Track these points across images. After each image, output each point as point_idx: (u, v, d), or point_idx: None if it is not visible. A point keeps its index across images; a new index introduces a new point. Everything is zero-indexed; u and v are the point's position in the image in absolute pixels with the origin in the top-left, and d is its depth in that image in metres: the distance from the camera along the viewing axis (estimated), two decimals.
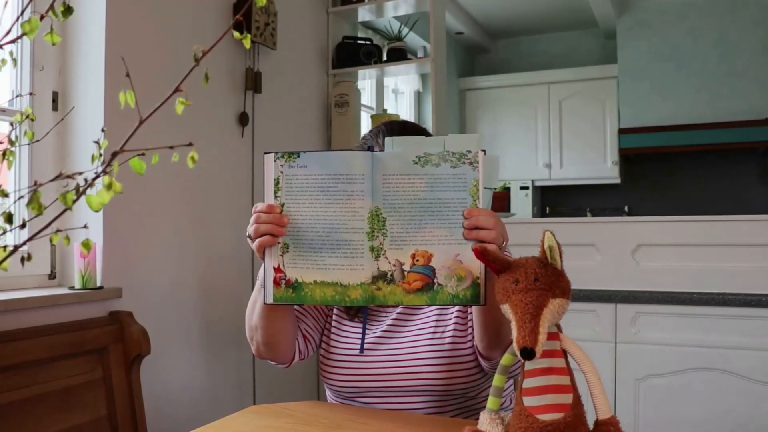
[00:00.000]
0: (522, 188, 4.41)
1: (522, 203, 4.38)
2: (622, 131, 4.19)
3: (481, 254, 0.72)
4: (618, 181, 4.27)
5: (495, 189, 0.84)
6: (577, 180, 4.36)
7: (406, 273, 0.81)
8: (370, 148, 0.85)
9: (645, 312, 2.07)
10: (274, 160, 0.83)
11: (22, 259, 0.54)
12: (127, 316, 1.62)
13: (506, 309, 0.70)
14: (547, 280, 0.69)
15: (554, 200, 4.61)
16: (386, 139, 0.84)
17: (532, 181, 4.44)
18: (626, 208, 4.40)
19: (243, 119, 2.17)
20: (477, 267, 0.79)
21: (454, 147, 0.82)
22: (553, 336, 0.70)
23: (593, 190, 4.45)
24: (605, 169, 4.26)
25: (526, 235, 1.56)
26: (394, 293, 0.81)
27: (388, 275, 0.81)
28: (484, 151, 0.81)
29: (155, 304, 1.81)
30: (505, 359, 0.74)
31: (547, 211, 4.60)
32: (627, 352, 2.07)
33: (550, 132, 4.41)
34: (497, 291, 0.72)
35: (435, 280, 0.80)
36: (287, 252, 0.83)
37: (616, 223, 2.26)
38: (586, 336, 2.06)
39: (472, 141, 0.82)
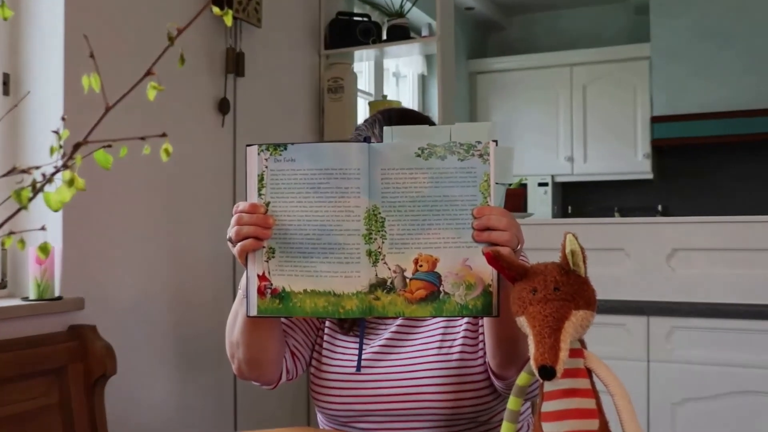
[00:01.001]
0: (540, 185, 4.41)
1: (540, 202, 4.38)
2: (655, 119, 4.19)
3: (493, 259, 0.73)
4: (650, 176, 4.28)
5: (509, 185, 0.84)
6: (603, 175, 4.37)
7: (408, 280, 0.81)
8: (367, 140, 0.85)
9: (682, 326, 2.08)
10: (258, 153, 0.83)
11: None
12: (90, 331, 1.62)
13: (522, 322, 0.70)
14: (569, 289, 0.69)
15: (577, 198, 4.62)
16: (384, 128, 0.84)
17: (552, 176, 4.45)
18: (660, 208, 4.41)
19: (223, 106, 2.18)
20: (488, 273, 0.80)
21: (462, 137, 0.82)
22: (577, 353, 0.70)
23: (622, 187, 4.46)
24: (636, 163, 4.27)
25: (544, 237, 1.56)
26: (394, 303, 0.81)
27: (388, 283, 0.81)
28: (496, 141, 0.81)
29: (122, 316, 1.81)
30: (522, 379, 0.74)
31: (569, 211, 4.61)
32: (661, 372, 2.08)
33: (572, 121, 4.42)
34: (512, 301, 0.72)
35: (441, 289, 0.80)
36: (273, 257, 0.83)
37: (648, 224, 2.27)
38: (614, 353, 2.06)
39: (482, 130, 0.82)
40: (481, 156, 0.81)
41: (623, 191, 4.48)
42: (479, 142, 0.81)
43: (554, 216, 4.41)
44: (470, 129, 0.83)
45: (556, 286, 0.69)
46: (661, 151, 4.31)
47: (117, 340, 1.71)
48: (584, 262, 0.71)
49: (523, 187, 3.42)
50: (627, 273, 2.22)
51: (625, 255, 2.23)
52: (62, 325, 1.63)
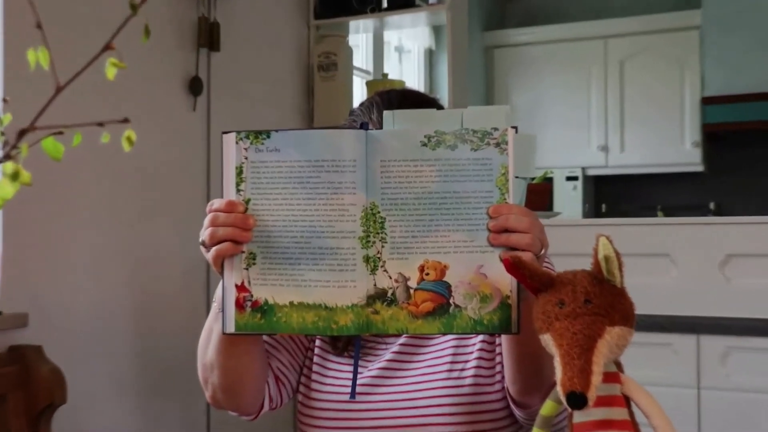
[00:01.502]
0: (569, 179, 4.41)
1: (569, 199, 4.38)
2: (706, 101, 4.19)
3: (512, 266, 0.73)
4: (700, 168, 4.28)
5: (531, 179, 0.85)
6: (643, 167, 4.37)
7: (412, 291, 0.81)
8: (364, 126, 0.86)
9: (738, 347, 2.08)
10: (236, 142, 0.84)
11: None
12: (34, 353, 1.62)
13: (547, 340, 0.71)
14: (603, 301, 0.70)
15: (613, 195, 4.62)
16: (384, 113, 0.84)
17: (583, 169, 4.45)
18: (712, 206, 4.41)
19: (195, 86, 2.18)
20: (507, 283, 0.80)
21: (476, 123, 0.82)
22: (612, 377, 0.70)
23: (666, 182, 4.46)
24: (683, 153, 4.27)
25: (573, 241, 1.57)
26: (396, 318, 0.82)
27: (389, 294, 0.82)
28: (515, 128, 0.81)
29: (74, 335, 1.82)
30: (547, 408, 0.74)
31: (603, 210, 4.61)
32: (714, 402, 2.08)
33: (607, 103, 4.42)
34: (535, 316, 0.73)
35: (451, 301, 0.81)
36: (254, 264, 0.83)
37: (698, 225, 2.27)
38: (657, 378, 2.06)
39: (499, 115, 0.82)
40: (497, 145, 0.81)
41: (668, 186, 4.48)
42: (496, 129, 0.81)
43: (585, 216, 4.41)
44: (485, 113, 0.83)
45: (588, 298, 0.70)
46: (713, 138, 4.31)
47: (67, 363, 1.72)
48: (621, 269, 0.71)
49: (548, 181, 3.42)
50: (673, 283, 2.22)
51: (671, 262, 2.23)
52: (1, 345, 1.63)
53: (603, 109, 4.43)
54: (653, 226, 2.35)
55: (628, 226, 2.34)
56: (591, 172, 4.48)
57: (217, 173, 2.14)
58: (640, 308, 0.73)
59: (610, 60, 4.42)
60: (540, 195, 2.70)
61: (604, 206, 4.62)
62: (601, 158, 4.42)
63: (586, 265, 0.73)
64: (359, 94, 2.99)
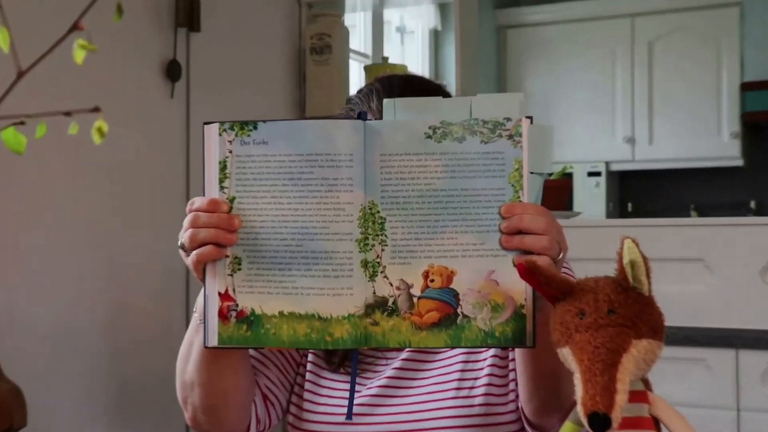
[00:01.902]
0: (591, 174, 4.41)
1: (591, 197, 4.38)
2: (746, 87, 4.19)
3: (527, 272, 0.73)
4: (739, 162, 4.27)
5: (548, 175, 0.85)
6: (675, 162, 4.37)
7: (415, 300, 0.82)
8: (362, 116, 0.86)
9: None
10: (220, 134, 0.84)
11: None
12: None
13: (566, 354, 0.71)
14: (628, 311, 0.70)
15: (640, 192, 4.62)
16: (384, 101, 0.85)
17: (607, 163, 4.45)
18: (752, 205, 4.40)
19: (173, 71, 2.19)
20: (521, 291, 0.80)
21: (487, 112, 0.82)
22: (639, 396, 0.70)
23: (701, 177, 4.46)
24: (720, 145, 4.27)
25: (596, 244, 1.56)
26: (397, 330, 0.82)
27: (389, 303, 0.82)
28: (530, 118, 0.82)
29: (37, 350, 1.82)
30: (566, 430, 0.75)
31: (629, 209, 4.61)
32: (755, 425, 2.07)
33: (633, 89, 4.42)
34: (553, 327, 0.73)
35: (459, 310, 0.81)
36: (239, 270, 0.84)
37: (736, 226, 2.27)
38: (691, 399, 2.07)
39: (512, 103, 0.83)
40: (510, 137, 0.81)
41: (702, 183, 4.48)
42: (508, 119, 0.81)
43: (609, 216, 4.41)
44: (497, 102, 0.84)
45: (611, 307, 0.70)
46: (754, 128, 4.31)
47: (28, 382, 1.71)
48: (648, 276, 0.71)
49: (567, 177, 3.42)
50: (708, 291, 2.22)
51: (705, 267, 2.23)
52: None
53: (629, 97, 4.42)
54: (686, 227, 2.35)
55: (658, 227, 2.34)
56: (615, 167, 4.48)
57: (198, 168, 2.14)
58: (671, 319, 0.73)
59: (638, 41, 4.42)
60: (558, 192, 2.70)
61: (630, 205, 4.62)
62: (627, 151, 4.42)
63: (610, 270, 0.73)
64: (356, 80, 2.99)
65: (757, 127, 4.29)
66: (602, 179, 4.42)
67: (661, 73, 4.37)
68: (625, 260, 0.71)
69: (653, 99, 4.38)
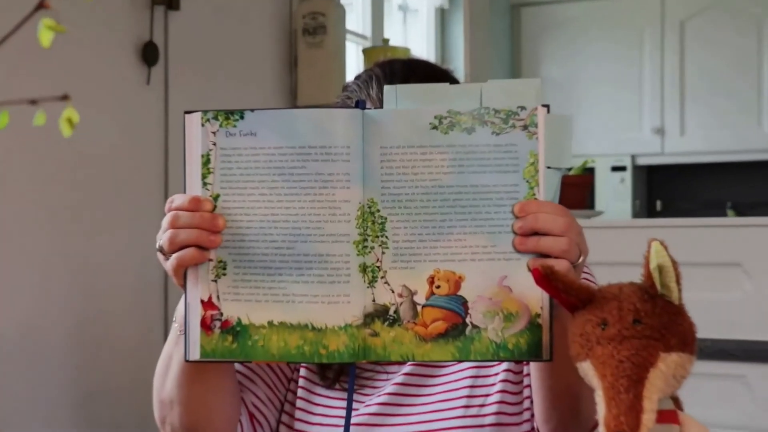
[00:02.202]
0: (615, 169, 4.42)
1: (615, 194, 4.38)
2: None
3: (544, 277, 0.73)
4: None
5: (567, 170, 0.85)
6: (709, 155, 4.36)
7: (419, 308, 0.82)
8: (360, 104, 0.86)
9: None
10: (203, 124, 0.84)
11: None
12: None
13: (587, 369, 0.71)
14: (656, 321, 0.70)
15: (670, 189, 4.62)
16: (385, 88, 0.85)
17: (633, 156, 4.45)
18: None
19: (149, 55, 2.19)
20: (537, 298, 0.80)
21: (499, 100, 0.82)
22: (668, 416, 0.70)
23: (738, 173, 4.46)
24: (759, 137, 4.26)
25: (620, 247, 1.56)
26: (399, 342, 0.82)
27: (391, 312, 0.82)
28: (547, 106, 0.81)
29: None
30: None
31: (658, 208, 4.61)
32: None
33: (663, 74, 4.42)
34: (572, 339, 0.73)
35: (468, 320, 0.81)
36: (224, 275, 0.84)
37: None
38: (728, 420, 2.06)
39: (528, 90, 0.83)
40: (525, 128, 0.81)
41: (740, 179, 4.48)
42: (523, 108, 0.81)
43: (635, 215, 4.41)
44: (510, 89, 0.84)
45: (637, 317, 0.70)
46: None
47: None
48: (678, 282, 0.71)
49: (588, 172, 3.41)
50: (746, 300, 2.21)
51: (743, 273, 2.23)
52: None
53: (658, 83, 4.42)
54: (721, 228, 2.35)
55: (690, 228, 2.34)
56: (643, 161, 4.48)
57: (178, 163, 2.14)
58: (704, 330, 0.73)
59: (668, 20, 4.41)
60: (578, 189, 2.70)
61: (658, 203, 4.62)
62: (656, 143, 4.42)
63: (636, 276, 0.73)
64: (354, 64, 2.99)
65: None
66: (628, 175, 4.41)
67: (694, 56, 4.35)
68: (653, 265, 0.71)
69: (685, 85, 4.38)
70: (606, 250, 1.56)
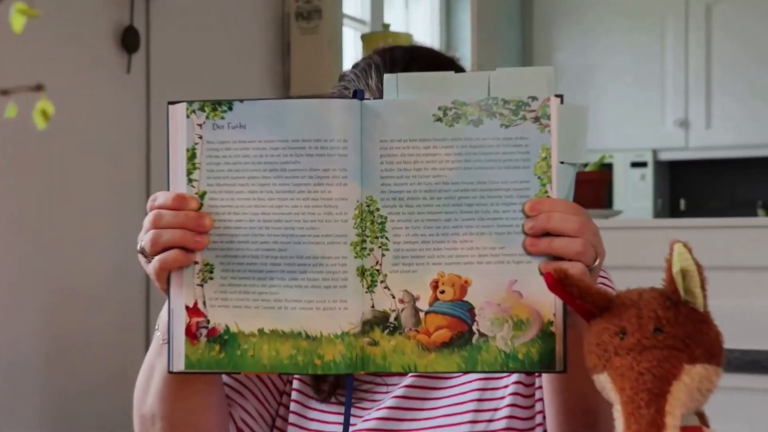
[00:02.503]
0: (635, 165, 4.41)
1: (634, 192, 4.38)
2: None
3: (557, 282, 0.73)
4: None
5: (582, 166, 0.85)
6: (737, 149, 4.36)
7: (422, 315, 0.82)
8: (358, 95, 0.86)
9: None
10: (188, 116, 0.84)
11: None
12: None
13: (604, 382, 0.71)
14: (679, 330, 0.70)
15: (695, 186, 4.62)
16: (385, 77, 0.85)
17: (654, 151, 4.44)
18: None
19: (129, 41, 2.19)
20: (549, 305, 0.80)
21: (508, 90, 0.82)
22: None
23: None
24: None
25: (640, 249, 1.56)
26: (401, 351, 0.82)
27: (391, 319, 0.82)
28: (561, 97, 0.82)
29: None
30: None
31: (682, 207, 4.60)
32: None
33: (687, 62, 4.42)
34: (587, 349, 0.73)
35: (474, 328, 0.81)
36: (211, 279, 0.84)
37: None
38: None
39: (540, 79, 0.83)
40: (537, 120, 0.81)
41: None
42: (534, 99, 0.82)
43: (657, 215, 4.41)
44: (521, 77, 0.84)
45: (658, 325, 0.70)
46: None
47: None
48: (703, 287, 0.71)
49: (605, 168, 3.41)
50: None
51: None
52: None
53: (682, 71, 4.42)
54: (751, 228, 2.35)
55: (716, 229, 2.34)
56: (665, 156, 4.48)
57: (161, 157, 2.14)
58: (733, 341, 0.73)
59: (693, 3, 4.41)
60: (595, 187, 2.70)
61: (682, 202, 4.62)
62: (680, 137, 4.42)
63: (657, 281, 0.73)
64: (352, 52, 2.99)
65: None
66: (649, 171, 4.41)
67: (721, 43, 4.35)
68: (675, 269, 0.70)
69: (711, 73, 4.37)
70: (625, 253, 1.57)
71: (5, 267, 1.91)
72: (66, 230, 2.04)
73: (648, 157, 4.42)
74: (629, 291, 0.74)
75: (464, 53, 2.77)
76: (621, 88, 4.41)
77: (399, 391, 1.04)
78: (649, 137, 4.42)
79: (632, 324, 0.71)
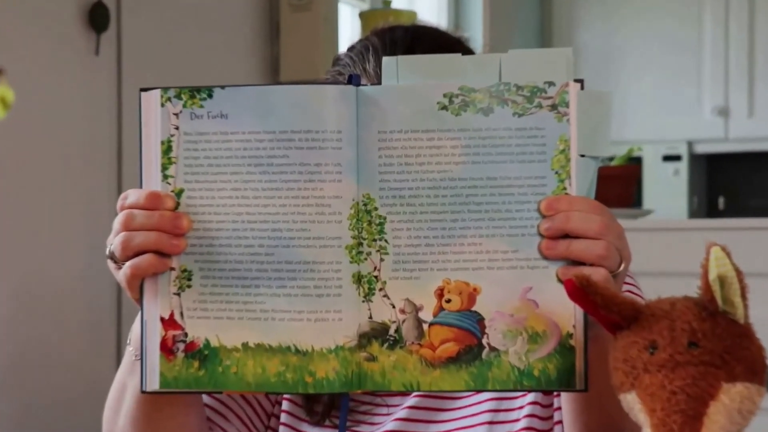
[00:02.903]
0: (667, 159, 4.41)
1: (667, 189, 4.37)
2: None
3: (578, 290, 0.73)
4: None
5: (608, 160, 0.85)
6: None
7: (426, 327, 0.82)
8: (354, 80, 0.86)
9: None
10: (162, 104, 0.84)
11: None
12: None
13: (632, 402, 0.71)
14: (717, 345, 0.70)
15: (735, 182, 4.61)
16: (385, 60, 0.85)
17: (690, 143, 4.44)
18: None
19: (98, 19, 2.18)
20: (569, 315, 0.80)
21: (522, 75, 0.82)
22: None
23: None
24: None
25: (673, 253, 1.56)
26: (402, 368, 0.82)
27: (391, 331, 0.82)
28: (581, 82, 0.82)
29: None
30: None
31: (721, 206, 4.60)
32: None
33: (728, 44, 4.41)
34: (614, 366, 0.73)
35: (484, 341, 0.81)
36: (189, 287, 0.84)
37: None
38: None
39: (557, 62, 0.82)
40: (554, 108, 0.82)
41: None
42: (551, 84, 0.82)
43: (692, 214, 4.40)
44: (536, 60, 0.83)
45: (694, 339, 0.70)
46: None
47: None
48: (744, 296, 0.71)
49: (633, 162, 3.40)
50: None
51: None
52: None
53: (721, 54, 4.41)
54: None
55: (759, 230, 2.34)
56: (702, 149, 4.47)
57: (133, 150, 2.14)
58: None
59: None
60: (621, 183, 2.69)
61: (721, 200, 4.61)
62: (719, 127, 4.41)
63: (692, 289, 0.73)
64: (349, 32, 2.99)
65: None
66: (683, 165, 4.41)
67: (766, 22, 4.34)
68: (712, 275, 0.70)
69: (755, 56, 4.36)
70: (655, 257, 1.57)
71: None
72: (27, 232, 2.04)
73: (682, 150, 4.41)
74: (660, 300, 0.74)
75: (474, 33, 2.76)
76: (651, 71, 4.41)
77: (401, 413, 1.04)
78: (684, 127, 4.41)
79: (664, 337, 0.71)
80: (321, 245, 0.82)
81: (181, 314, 0.84)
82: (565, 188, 0.81)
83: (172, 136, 0.84)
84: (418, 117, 0.82)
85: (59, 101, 2.11)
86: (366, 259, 0.82)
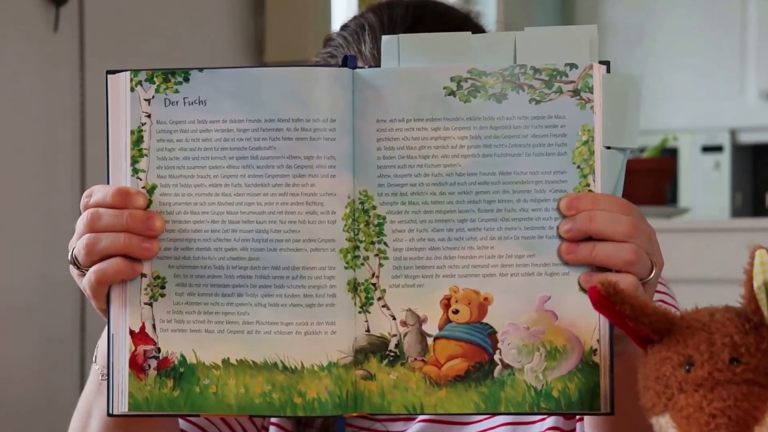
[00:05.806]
0: (706, 150, 4.41)
1: (706, 184, 4.38)
2: None
3: (603, 299, 0.73)
4: None
5: (639, 151, 0.86)
6: None
7: (430, 341, 0.82)
8: (349, 62, 0.86)
9: None
10: (132, 88, 0.84)
11: None
12: None
13: (665, 426, 0.71)
14: (762, 361, 0.70)
15: None
16: (384, 39, 0.85)
17: (732, 132, 4.44)
18: None
19: None
20: (591, 328, 0.81)
21: (539, 56, 0.82)
22: None
23: None
24: None
25: (713, 257, 1.56)
26: (403, 387, 0.82)
27: (391, 346, 0.82)
28: (607, 64, 0.82)
29: None
30: None
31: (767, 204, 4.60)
32: None
33: None
34: (644, 385, 0.73)
35: (497, 357, 0.82)
36: (162, 296, 0.84)
37: None
38: None
39: (580, 42, 0.83)
40: (576, 93, 0.82)
41: None
42: (573, 66, 0.82)
43: (735, 213, 4.41)
44: (555, 39, 0.84)
45: (735, 355, 0.70)
46: None
47: None
48: None
49: (668, 155, 3.40)
50: None
51: None
52: None
53: (767, 32, 4.41)
54: None
55: None
56: (746, 138, 4.48)
57: (99, 141, 2.14)
58: None
59: None
60: (653, 178, 2.68)
61: None
62: (765, 114, 4.41)
63: (734, 297, 0.73)
64: (343, 8, 3.00)
65: None
66: (725, 157, 4.41)
67: None
68: (758, 282, 0.70)
69: None
70: (693, 262, 1.57)
71: None
72: None
73: (724, 140, 4.41)
74: (697, 311, 0.74)
75: (487, 10, 2.77)
76: (688, 51, 4.40)
77: None
78: (726, 114, 4.41)
79: (701, 352, 0.71)
80: (312, 248, 0.83)
81: (153, 327, 0.85)
82: (588, 184, 0.82)
83: (143, 125, 0.85)
84: (422, 104, 0.83)
85: (13, 84, 2.11)
86: (363, 264, 0.83)
